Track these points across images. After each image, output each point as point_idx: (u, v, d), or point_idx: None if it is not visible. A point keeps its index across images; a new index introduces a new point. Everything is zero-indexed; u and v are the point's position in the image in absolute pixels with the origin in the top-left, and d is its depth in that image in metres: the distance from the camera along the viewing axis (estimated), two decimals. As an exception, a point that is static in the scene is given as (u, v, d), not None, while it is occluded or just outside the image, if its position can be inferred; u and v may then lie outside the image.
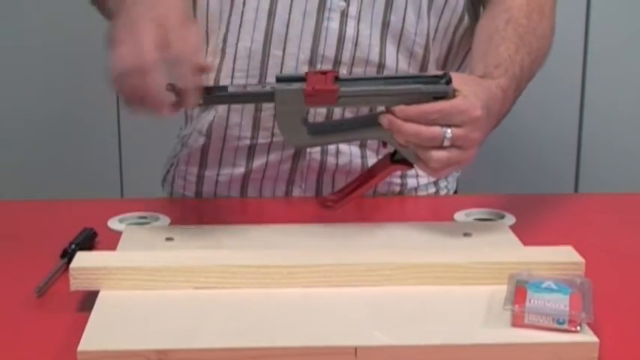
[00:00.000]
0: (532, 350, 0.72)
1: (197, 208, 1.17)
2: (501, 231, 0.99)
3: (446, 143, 0.89)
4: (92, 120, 2.05)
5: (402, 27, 1.11)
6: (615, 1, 2.00)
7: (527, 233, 0.97)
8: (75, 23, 1.93)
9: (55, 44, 2.00)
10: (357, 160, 1.16)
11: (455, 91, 0.91)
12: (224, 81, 1.11)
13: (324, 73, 0.90)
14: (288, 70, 1.09)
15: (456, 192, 1.29)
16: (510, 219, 1.06)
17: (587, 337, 0.72)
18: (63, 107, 2.04)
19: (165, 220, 1.05)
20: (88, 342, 0.71)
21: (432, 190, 1.24)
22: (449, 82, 0.91)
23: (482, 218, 1.08)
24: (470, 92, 0.92)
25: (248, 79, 1.10)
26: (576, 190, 2.09)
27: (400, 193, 1.21)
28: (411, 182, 1.21)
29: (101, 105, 2.04)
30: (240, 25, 1.08)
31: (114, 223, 1.04)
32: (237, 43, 1.09)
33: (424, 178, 1.22)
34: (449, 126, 0.89)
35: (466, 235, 0.98)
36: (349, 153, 1.15)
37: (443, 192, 1.25)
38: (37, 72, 2.02)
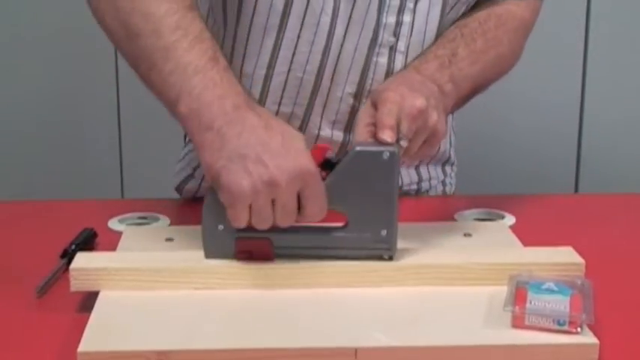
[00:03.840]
0: (532, 351, 0.72)
1: (197, 209, 1.17)
2: (501, 231, 0.99)
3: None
4: (93, 120, 2.05)
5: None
6: (615, 1, 2.00)
7: (527, 233, 0.97)
8: (75, 23, 1.93)
9: (55, 44, 2.00)
10: None
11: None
12: (271, 107, 1.09)
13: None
14: (333, 102, 1.08)
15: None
16: (510, 219, 1.06)
17: (588, 338, 0.72)
18: (63, 108, 2.04)
19: (165, 220, 1.05)
20: (88, 342, 0.71)
21: (440, 188, 1.26)
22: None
23: (482, 218, 1.08)
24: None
25: (295, 107, 1.09)
26: (576, 190, 2.09)
27: (415, 195, 1.22)
28: (425, 186, 1.23)
29: (102, 105, 2.04)
30: (293, 55, 1.06)
31: (114, 224, 1.04)
32: (288, 72, 1.08)
33: (435, 180, 1.24)
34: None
35: (466, 235, 0.98)
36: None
37: (448, 188, 1.27)
38: (37, 72, 2.02)
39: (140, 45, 0.87)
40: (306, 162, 0.81)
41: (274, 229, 0.82)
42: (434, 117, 0.90)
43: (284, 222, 0.81)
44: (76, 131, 2.05)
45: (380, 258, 0.85)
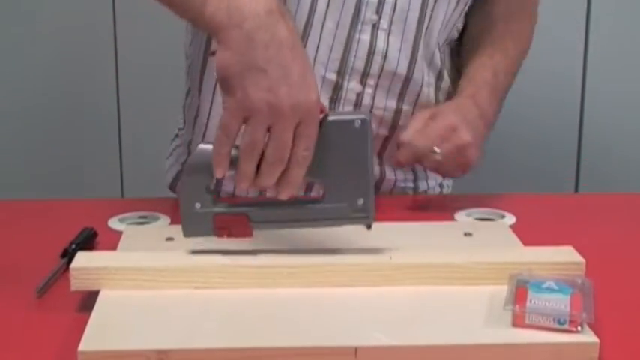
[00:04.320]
0: (532, 350, 0.72)
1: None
2: (502, 231, 0.99)
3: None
4: (92, 120, 2.05)
5: (430, 41, 1.12)
6: (615, 1, 2.00)
7: (527, 233, 0.97)
8: (75, 22, 1.93)
9: (55, 44, 2.00)
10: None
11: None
12: None
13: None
14: (317, 77, 1.08)
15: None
16: (511, 219, 1.06)
17: (588, 337, 0.72)
18: (63, 107, 2.04)
19: (165, 220, 1.05)
20: (88, 342, 0.71)
21: (438, 190, 1.26)
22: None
23: (482, 218, 1.08)
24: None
25: None
26: (576, 190, 2.09)
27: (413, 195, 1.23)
28: (422, 185, 1.24)
29: (102, 105, 2.04)
30: None
31: (114, 223, 1.04)
32: None
33: (432, 181, 1.25)
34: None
35: (467, 234, 0.98)
36: None
37: (445, 190, 1.28)
38: (37, 72, 2.02)
39: None
40: (315, 100, 0.80)
41: (251, 201, 0.81)
42: (473, 154, 1.08)
43: (273, 160, 0.79)
44: (76, 131, 2.05)
45: (358, 225, 0.85)
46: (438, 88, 1.18)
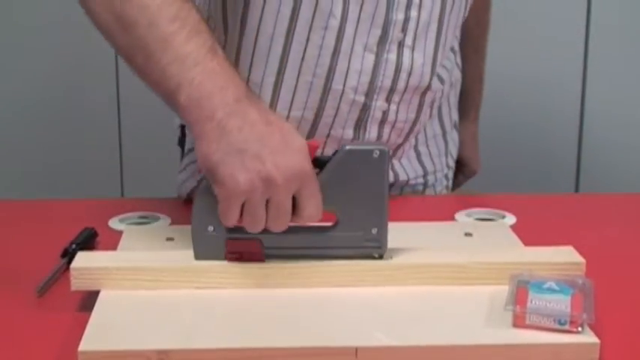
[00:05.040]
0: (533, 351, 0.72)
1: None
2: (502, 231, 0.99)
3: None
4: (93, 120, 2.05)
5: (446, 46, 1.13)
6: (615, 1, 2.00)
7: (527, 233, 0.97)
8: (75, 22, 1.93)
9: (55, 44, 2.00)
10: None
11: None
12: (281, 112, 1.09)
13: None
14: (344, 103, 1.08)
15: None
16: (511, 219, 1.06)
17: (588, 337, 0.72)
18: (63, 107, 2.04)
19: (165, 220, 1.05)
20: (88, 342, 0.71)
21: (444, 182, 1.28)
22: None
23: (483, 218, 1.08)
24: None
25: (305, 111, 1.09)
26: (576, 190, 2.09)
27: (423, 191, 1.24)
28: (431, 179, 1.24)
29: (102, 105, 2.04)
30: (302, 60, 1.06)
31: (114, 223, 1.04)
32: (298, 77, 1.07)
33: (440, 173, 1.26)
34: None
35: (467, 235, 0.98)
36: None
37: (450, 181, 1.30)
38: (37, 72, 2.02)
39: (136, 35, 0.86)
40: (304, 161, 0.80)
41: (265, 230, 0.81)
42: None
43: (277, 224, 0.81)
44: (76, 131, 2.05)
45: (370, 256, 0.85)
46: (450, 85, 1.22)
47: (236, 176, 0.78)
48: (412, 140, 1.20)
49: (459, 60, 1.25)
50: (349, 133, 1.11)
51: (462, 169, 1.37)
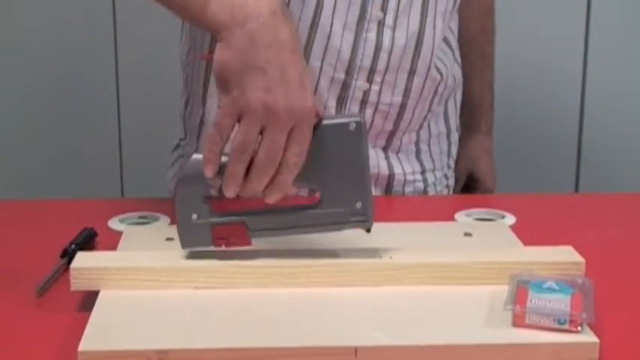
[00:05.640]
0: (533, 350, 0.72)
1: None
2: (502, 231, 0.99)
3: None
4: (92, 120, 2.05)
5: (434, 35, 1.13)
6: (615, 1, 2.00)
7: (527, 233, 0.97)
8: (75, 22, 1.94)
9: (55, 44, 2.00)
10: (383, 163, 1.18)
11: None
12: None
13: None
14: (324, 80, 1.08)
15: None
16: (511, 219, 1.06)
17: (588, 337, 0.72)
18: (63, 107, 2.04)
19: (165, 220, 1.05)
20: (88, 342, 0.71)
21: (444, 182, 1.28)
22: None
23: (482, 218, 1.08)
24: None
25: None
26: (576, 190, 2.09)
27: (424, 191, 1.24)
28: (430, 178, 1.24)
29: (102, 105, 2.04)
30: None
31: (114, 223, 1.04)
32: None
33: (439, 172, 1.26)
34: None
35: (467, 235, 0.98)
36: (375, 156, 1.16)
37: (450, 181, 1.29)
38: (37, 72, 2.02)
39: None
40: (310, 106, 0.79)
41: (248, 210, 0.81)
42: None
43: (263, 163, 0.79)
44: (75, 131, 2.05)
45: (357, 228, 0.84)
46: (454, 82, 1.22)
47: (245, 90, 0.78)
48: (412, 134, 1.19)
49: (458, 57, 1.25)
50: (331, 112, 1.11)
51: (474, 186, 1.34)
